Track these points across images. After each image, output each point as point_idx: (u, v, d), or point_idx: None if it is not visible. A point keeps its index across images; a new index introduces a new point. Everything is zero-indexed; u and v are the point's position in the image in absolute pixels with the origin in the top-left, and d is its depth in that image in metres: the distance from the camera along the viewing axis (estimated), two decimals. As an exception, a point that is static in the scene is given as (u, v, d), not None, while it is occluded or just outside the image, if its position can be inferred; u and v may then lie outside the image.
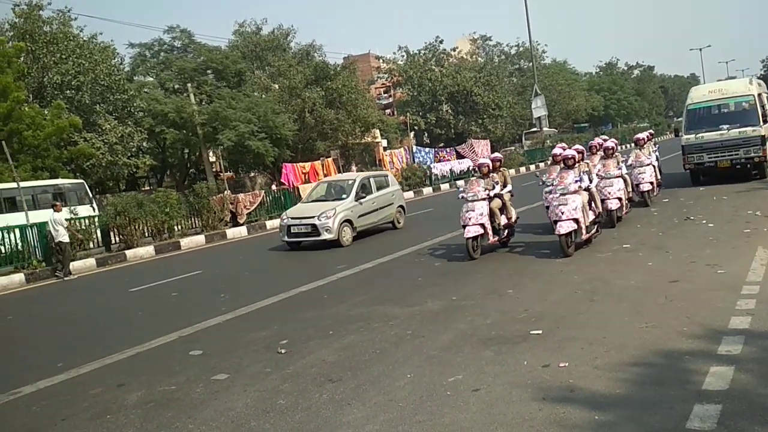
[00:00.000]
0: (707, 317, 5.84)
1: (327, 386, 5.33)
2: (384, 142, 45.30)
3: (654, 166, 14.91)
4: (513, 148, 48.50)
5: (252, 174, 38.46)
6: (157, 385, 5.93)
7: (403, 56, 53.25)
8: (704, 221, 11.32)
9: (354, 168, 37.05)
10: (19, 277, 15.49)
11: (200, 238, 20.21)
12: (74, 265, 16.72)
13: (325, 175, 29.28)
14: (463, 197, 10.95)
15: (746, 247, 8.68)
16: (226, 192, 25.43)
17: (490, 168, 11.26)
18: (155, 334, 7.94)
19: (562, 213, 9.65)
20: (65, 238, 15.98)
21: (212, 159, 39.40)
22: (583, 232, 9.91)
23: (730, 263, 7.84)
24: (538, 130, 46.94)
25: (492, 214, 10.80)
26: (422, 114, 51.62)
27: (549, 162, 10.82)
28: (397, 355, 5.95)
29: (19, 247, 16.43)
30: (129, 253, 17.79)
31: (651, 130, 18.85)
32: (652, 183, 14.49)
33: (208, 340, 7.42)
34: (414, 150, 38.57)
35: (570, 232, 9.65)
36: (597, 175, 11.56)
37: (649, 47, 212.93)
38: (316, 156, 34.41)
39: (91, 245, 18.47)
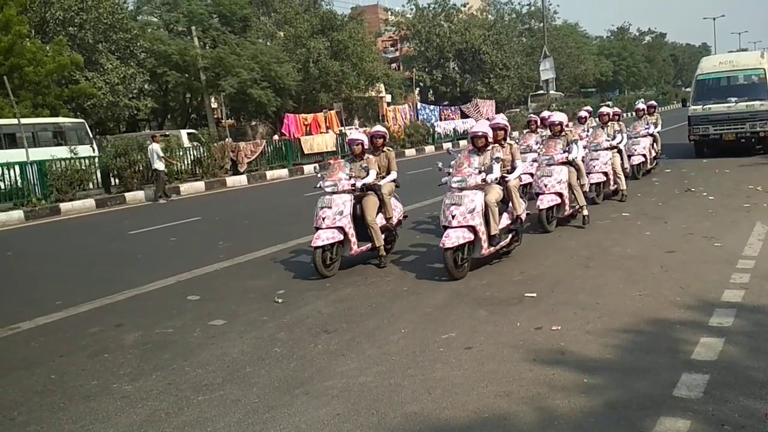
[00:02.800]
0: (701, 289, 5.88)
1: (322, 337, 5.41)
2: (388, 98, 44.86)
3: (622, 152, 11.97)
4: (518, 110, 47.92)
5: (253, 123, 38.16)
6: (154, 327, 6.01)
7: (412, 9, 52.23)
8: (705, 193, 11.31)
9: (357, 122, 36.77)
10: (18, 213, 15.55)
11: (200, 185, 20.23)
12: (72, 205, 16.79)
13: (328, 128, 28.99)
14: (320, 186, 7.69)
15: (745, 221, 8.69)
16: (227, 139, 25.34)
17: (365, 147, 7.91)
18: (153, 277, 8.02)
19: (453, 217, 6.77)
20: (160, 166, 17.68)
21: (214, 105, 39.02)
22: (486, 245, 6.93)
23: (728, 237, 7.87)
24: (544, 93, 46.36)
25: (361, 213, 7.58)
26: (428, 70, 50.92)
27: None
28: (392, 310, 6.02)
29: (19, 184, 16.47)
30: (128, 195, 17.83)
31: (653, 101, 16.46)
32: (606, 173, 11.06)
33: (205, 286, 7.49)
34: (418, 107, 38.19)
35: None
36: (533, 161, 8.85)
37: (663, 13, 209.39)
38: (319, 108, 34.06)
39: (91, 186, 18.51)
